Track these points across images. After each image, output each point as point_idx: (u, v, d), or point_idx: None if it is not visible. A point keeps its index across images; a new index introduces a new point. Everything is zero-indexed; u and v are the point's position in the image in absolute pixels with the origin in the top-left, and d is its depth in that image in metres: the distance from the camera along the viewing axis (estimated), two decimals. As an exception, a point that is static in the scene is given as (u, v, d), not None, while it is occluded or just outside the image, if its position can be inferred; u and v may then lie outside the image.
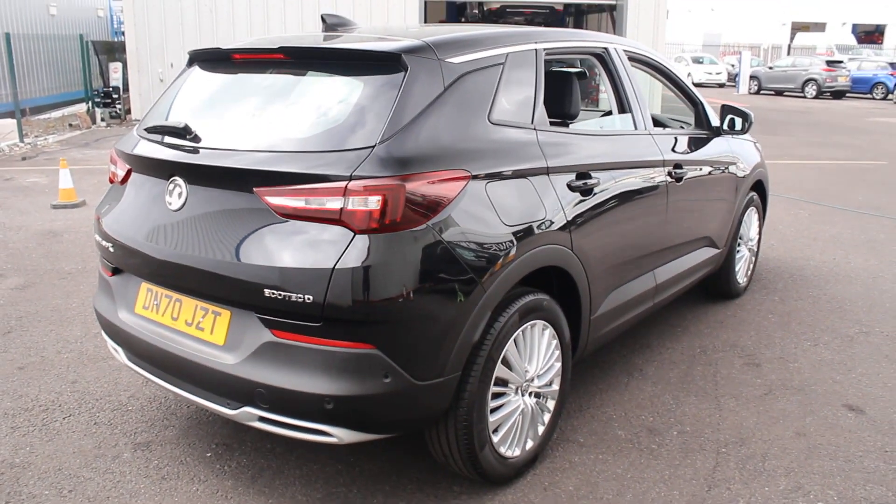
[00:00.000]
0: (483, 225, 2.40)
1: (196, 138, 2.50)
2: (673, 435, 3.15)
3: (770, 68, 28.62)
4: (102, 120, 14.88)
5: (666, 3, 15.75)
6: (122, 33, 20.81)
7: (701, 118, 4.21)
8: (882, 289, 5.13)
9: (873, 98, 26.43)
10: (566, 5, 19.51)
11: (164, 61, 14.33)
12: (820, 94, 25.98)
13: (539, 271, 2.66)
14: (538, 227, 2.60)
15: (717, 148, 4.20)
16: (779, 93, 27.50)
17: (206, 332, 2.44)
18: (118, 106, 15.14)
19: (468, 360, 2.40)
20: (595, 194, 2.96)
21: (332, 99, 2.46)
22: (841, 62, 27.13)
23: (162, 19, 14.18)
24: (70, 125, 14.43)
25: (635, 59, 3.66)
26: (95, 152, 11.42)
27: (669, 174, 3.57)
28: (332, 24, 2.90)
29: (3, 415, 3.25)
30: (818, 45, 40.80)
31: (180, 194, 2.46)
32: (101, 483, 2.75)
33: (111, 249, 2.76)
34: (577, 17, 21.78)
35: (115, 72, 15.67)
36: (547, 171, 2.71)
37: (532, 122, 2.74)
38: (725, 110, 4.20)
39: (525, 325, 2.62)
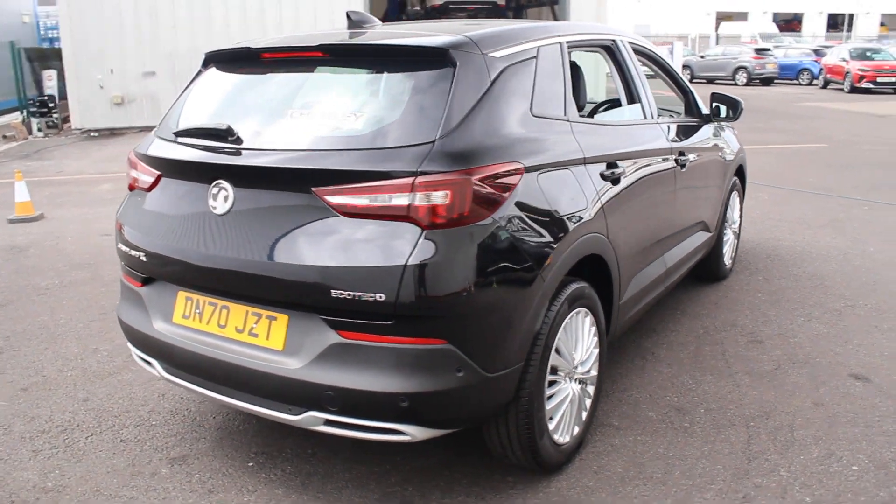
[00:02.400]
0: (539, 216, 2.43)
1: (238, 140, 2.45)
2: (700, 413, 3.25)
3: (702, 57, 29.56)
4: (39, 130, 14.26)
5: (607, -3, 16.09)
6: (51, 40, 19.99)
7: (691, 106, 4.34)
8: (854, 265, 5.38)
9: (799, 84, 27.60)
10: (508, 0, 19.69)
11: (104, 67, 13.84)
12: (750, 81, 26.97)
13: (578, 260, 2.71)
14: (582, 216, 2.65)
15: (708, 134, 4.34)
16: (710, 81, 28.40)
17: (261, 337, 2.40)
18: (55, 115, 14.55)
19: (529, 349, 2.43)
20: (621, 183, 3.03)
21: (381, 96, 2.45)
22: (768, 50, 28.23)
23: (100, 25, 13.68)
24: (4, 136, 13.79)
25: (636, 51, 3.75)
26: (39, 164, 10.97)
27: (676, 161, 3.67)
28: (357, 21, 2.87)
29: (19, 438, 3.12)
30: (742, 34, 42.34)
31: (226, 198, 2.41)
32: (146, 501, 2.67)
33: (143, 259, 2.67)
34: (517, 12, 22.01)
35: (49, 79, 15.03)
36: (584, 162, 2.76)
37: (565, 114, 2.78)
38: (715, 98, 4.34)
39: (572, 313, 2.66)
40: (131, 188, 2.89)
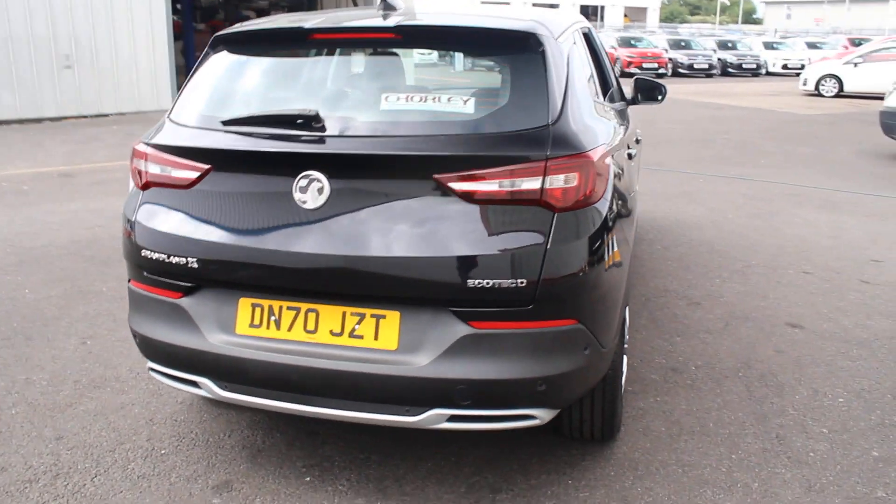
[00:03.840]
0: (624, 195, 2.54)
1: (323, 127, 2.26)
2: (693, 370, 3.56)
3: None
4: None
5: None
6: None
7: (617, 88, 4.64)
8: (728, 230, 6.12)
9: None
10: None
11: None
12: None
13: None
14: (633, 194, 2.80)
15: (633, 116, 4.69)
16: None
17: (367, 339, 2.25)
18: None
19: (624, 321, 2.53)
20: (633, 162, 3.21)
21: (476, 79, 2.40)
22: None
23: None
24: None
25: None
26: None
27: (637, 140, 3.95)
28: (391, 4, 2.73)
29: (4, 493, 2.61)
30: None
31: (320, 190, 2.21)
32: (216, 535, 2.39)
33: (192, 265, 2.36)
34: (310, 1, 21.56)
35: None
36: (624, 144, 2.90)
37: (600, 98, 2.90)
38: (639, 82, 4.68)
39: (623, 286, 2.81)
40: (146, 186, 2.52)
